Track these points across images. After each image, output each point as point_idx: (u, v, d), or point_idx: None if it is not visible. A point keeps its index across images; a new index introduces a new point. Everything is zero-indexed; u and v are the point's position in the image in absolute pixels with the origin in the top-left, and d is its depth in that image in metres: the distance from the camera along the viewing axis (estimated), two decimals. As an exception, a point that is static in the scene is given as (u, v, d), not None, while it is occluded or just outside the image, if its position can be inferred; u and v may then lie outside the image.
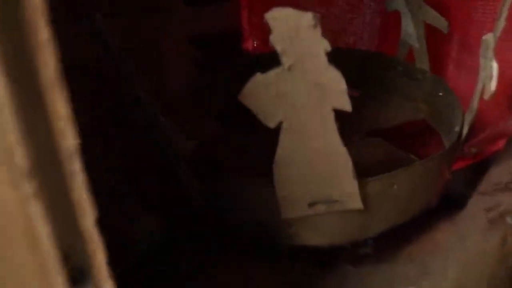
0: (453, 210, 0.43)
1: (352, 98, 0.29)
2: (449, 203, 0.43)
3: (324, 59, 0.27)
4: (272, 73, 0.28)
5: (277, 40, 0.27)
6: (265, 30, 0.81)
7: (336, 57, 0.58)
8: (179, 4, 0.60)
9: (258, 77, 0.29)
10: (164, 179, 0.39)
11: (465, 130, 0.40)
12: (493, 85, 0.33)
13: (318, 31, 0.26)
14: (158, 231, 0.41)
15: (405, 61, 0.52)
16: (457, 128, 0.43)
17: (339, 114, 0.30)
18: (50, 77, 0.11)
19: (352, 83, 0.57)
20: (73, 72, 0.13)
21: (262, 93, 0.29)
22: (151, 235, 0.41)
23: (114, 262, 0.14)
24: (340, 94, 0.28)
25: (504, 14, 0.33)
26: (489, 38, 0.33)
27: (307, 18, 0.26)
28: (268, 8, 0.78)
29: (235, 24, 0.73)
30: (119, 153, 0.38)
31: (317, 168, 0.32)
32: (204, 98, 0.50)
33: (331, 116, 0.30)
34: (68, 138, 0.12)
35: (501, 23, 0.33)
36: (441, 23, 0.46)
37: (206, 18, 0.65)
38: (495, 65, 0.33)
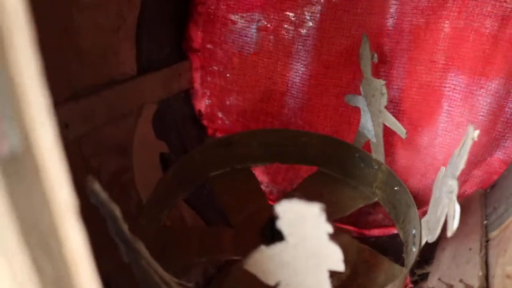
0: None
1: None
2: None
3: (325, 238, 0.30)
4: (277, 247, 0.30)
5: (284, 226, 0.29)
6: (216, 92, 0.81)
7: (295, 140, 0.59)
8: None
9: (263, 249, 0.31)
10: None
11: (423, 241, 0.44)
12: (455, 224, 0.37)
13: (323, 218, 0.29)
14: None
15: (363, 150, 0.56)
16: (414, 231, 0.48)
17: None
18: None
19: (314, 162, 0.60)
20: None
21: (266, 262, 0.31)
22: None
23: None
24: (337, 261, 0.31)
25: (465, 156, 0.38)
26: (453, 184, 0.38)
27: (313, 210, 0.28)
28: (221, 68, 0.77)
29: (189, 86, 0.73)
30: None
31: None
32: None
33: (325, 276, 0.32)
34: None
35: (461, 165, 0.38)
36: (399, 129, 0.50)
37: (161, 84, 0.65)
38: (458, 208, 0.37)
